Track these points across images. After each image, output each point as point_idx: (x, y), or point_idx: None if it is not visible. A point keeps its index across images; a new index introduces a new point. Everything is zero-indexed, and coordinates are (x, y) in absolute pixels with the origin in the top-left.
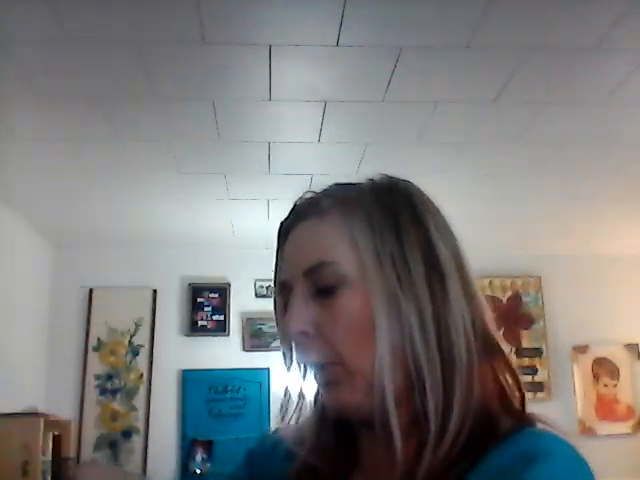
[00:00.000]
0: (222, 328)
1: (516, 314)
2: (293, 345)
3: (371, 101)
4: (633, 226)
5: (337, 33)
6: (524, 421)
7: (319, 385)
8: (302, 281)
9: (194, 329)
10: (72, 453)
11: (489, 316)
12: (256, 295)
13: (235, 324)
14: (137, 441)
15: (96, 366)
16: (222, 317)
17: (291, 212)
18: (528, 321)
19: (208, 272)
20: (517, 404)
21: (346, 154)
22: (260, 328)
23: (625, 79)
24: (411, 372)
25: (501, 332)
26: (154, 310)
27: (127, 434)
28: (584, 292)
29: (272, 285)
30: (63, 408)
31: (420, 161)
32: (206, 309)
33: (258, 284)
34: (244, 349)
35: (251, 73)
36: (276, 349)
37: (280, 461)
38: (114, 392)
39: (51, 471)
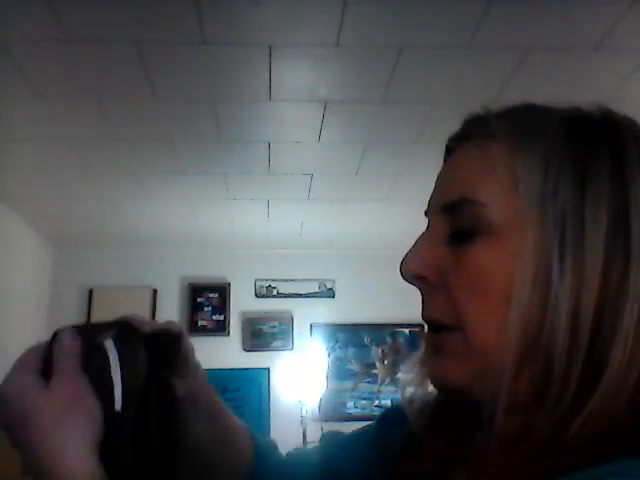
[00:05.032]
0: (222, 328)
1: None
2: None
3: (371, 101)
4: None
5: (337, 33)
6: None
7: (426, 350)
8: (439, 216)
9: (194, 329)
10: None
11: None
12: (256, 295)
13: (235, 324)
14: None
15: None
16: (222, 317)
17: (460, 129)
18: None
19: (208, 272)
20: None
21: (346, 154)
22: (260, 328)
23: (625, 79)
24: (539, 365)
25: None
26: (154, 310)
27: None
28: None
29: (272, 285)
30: None
31: (420, 161)
32: (206, 309)
33: (258, 284)
34: (244, 349)
35: (251, 73)
36: (276, 349)
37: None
38: None
39: None
